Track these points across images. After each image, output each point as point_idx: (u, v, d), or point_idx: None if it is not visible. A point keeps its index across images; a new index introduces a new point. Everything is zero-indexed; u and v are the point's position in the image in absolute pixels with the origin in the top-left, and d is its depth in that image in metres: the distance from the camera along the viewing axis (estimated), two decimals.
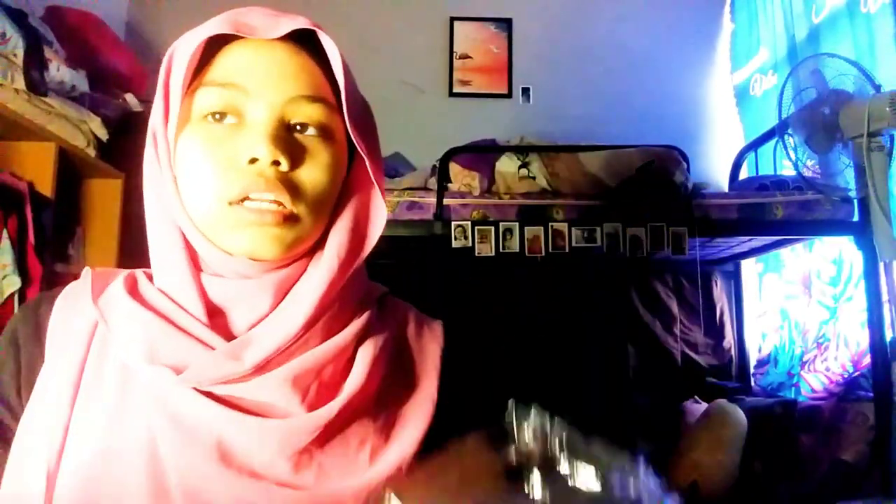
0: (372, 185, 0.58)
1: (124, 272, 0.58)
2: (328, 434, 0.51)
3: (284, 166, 0.51)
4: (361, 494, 0.50)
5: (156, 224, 0.54)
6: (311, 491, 0.50)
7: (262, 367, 0.50)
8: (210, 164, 0.51)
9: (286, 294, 0.54)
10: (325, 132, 0.54)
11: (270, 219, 0.51)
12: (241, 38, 0.53)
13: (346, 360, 0.55)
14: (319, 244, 0.56)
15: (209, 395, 0.50)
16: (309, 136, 0.53)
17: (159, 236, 0.54)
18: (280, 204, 0.51)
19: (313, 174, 0.53)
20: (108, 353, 0.53)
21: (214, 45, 0.53)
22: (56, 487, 0.49)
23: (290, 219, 0.52)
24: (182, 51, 0.53)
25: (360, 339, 0.56)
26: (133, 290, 0.55)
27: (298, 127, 0.53)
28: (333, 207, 0.56)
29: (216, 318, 0.52)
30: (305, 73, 0.53)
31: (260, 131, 0.50)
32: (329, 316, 0.54)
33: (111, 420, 0.51)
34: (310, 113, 0.53)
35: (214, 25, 0.51)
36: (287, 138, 0.52)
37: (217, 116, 0.52)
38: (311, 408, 0.51)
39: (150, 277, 0.57)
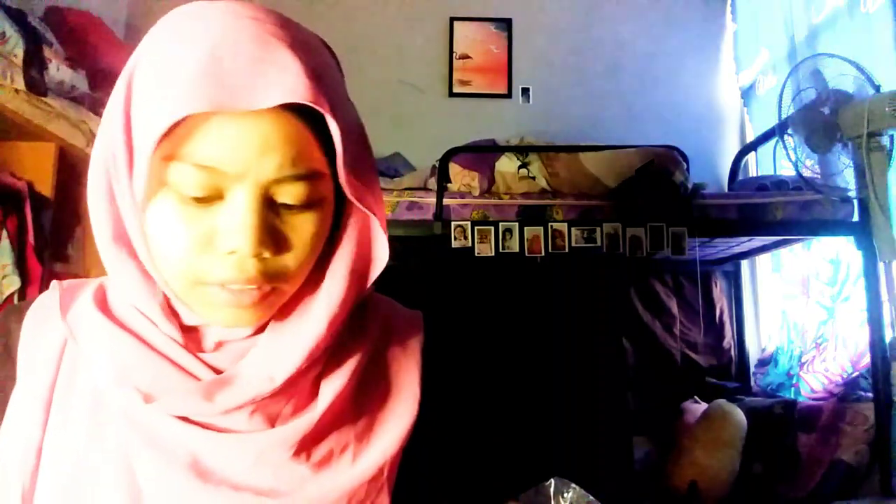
0: (372, 222, 0.53)
1: (93, 283, 0.55)
2: (306, 444, 0.50)
3: (267, 256, 0.46)
4: (344, 497, 0.50)
5: (111, 253, 0.49)
6: (292, 497, 0.49)
7: (231, 410, 0.48)
8: (185, 244, 0.45)
9: (264, 324, 0.51)
10: (313, 203, 0.48)
11: (248, 300, 0.47)
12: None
13: (317, 376, 0.52)
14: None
15: (182, 417, 0.48)
16: (295, 212, 0.47)
17: (115, 262, 0.49)
18: (261, 288, 0.47)
19: (298, 254, 0.48)
20: (79, 371, 0.51)
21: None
22: None
23: (269, 295, 0.48)
24: (147, 102, 0.45)
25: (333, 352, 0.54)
26: (103, 304, 0.52)
27: (283, 201, 0.47)
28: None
29: (189, 333, 0.50)
30: (293, 146, 0.45)
31: (242, 220, 0.44)
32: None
33: (85, 439, 0.49)
34: (297, 192, 0.46)
35: (189, 95, 0.42)
36: (271, 223, 0.46)
37: (196, 199, 0.45)
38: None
39: None
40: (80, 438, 0.49)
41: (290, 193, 0.46)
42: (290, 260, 0.48)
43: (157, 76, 0.45)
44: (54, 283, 0.56)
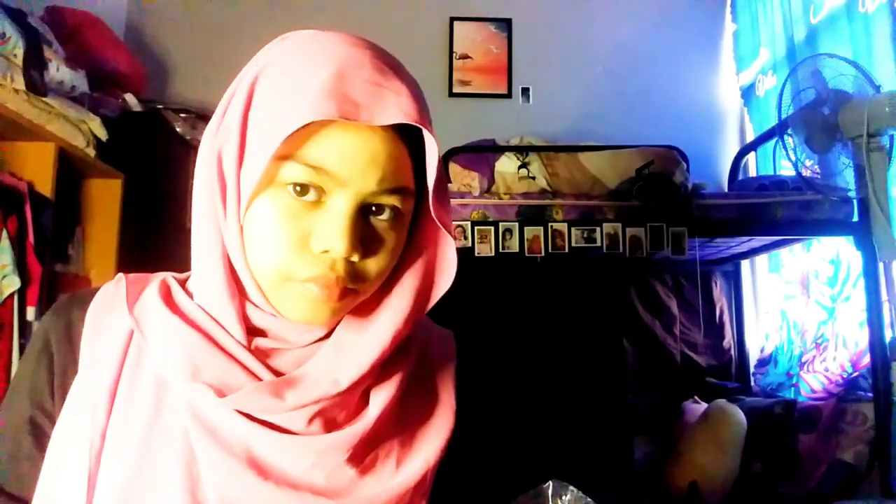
0: (446, 245, 0.57)
1: (156, 278, 0.58)
2: (358, 450, 0.52)
3: (356, 258, 0.50)
4: (391, 501, 0.53)
5: (205, 251, 0.53)
6: (346, 499, 0.51)
7: (298, 408, 0.51)
8: (282, 239, 0.49)
9: (330, 334, 0.55)
10: (398, 216, 0.53)
11: (328, 296, 0.50)
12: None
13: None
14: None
15: (245, 414, 0.51)
16: (382, 220, 0.52)
17: (207, 265, 0.53)
18: (345, 286, 0.51)
19: (381, 261, 0.52)
20: (143, 364, 0.54)
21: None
22: (96, 488, 0.50)
23: (349, 293, 0.51)
24: (273, 108, 0.49)
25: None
26: (168, 300, 0.55)
27: (374, 208, 0.51)
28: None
29: (255, 339, 0.53)
30: (394, 162, 0.50)
31: (339, 224, 0.49)
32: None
33: (147, 432, 0.51)
34: (389, 202, 0.51)
35: (317, 104, 0.46)
36: (362, 228, 0.51)
37: (299, 189, 0.49)
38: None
39: (181, 283, 0.57)
40: (143, 427, 0.51)
41: (381, 206, 0.51)
42: (372, 266, 0.52)
43: (284, 87, 0.49)
44: (120, 275, 0.58)
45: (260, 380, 0.51)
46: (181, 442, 0.51)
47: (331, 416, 0.53)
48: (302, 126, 0.47)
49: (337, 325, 0.55)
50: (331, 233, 0.49)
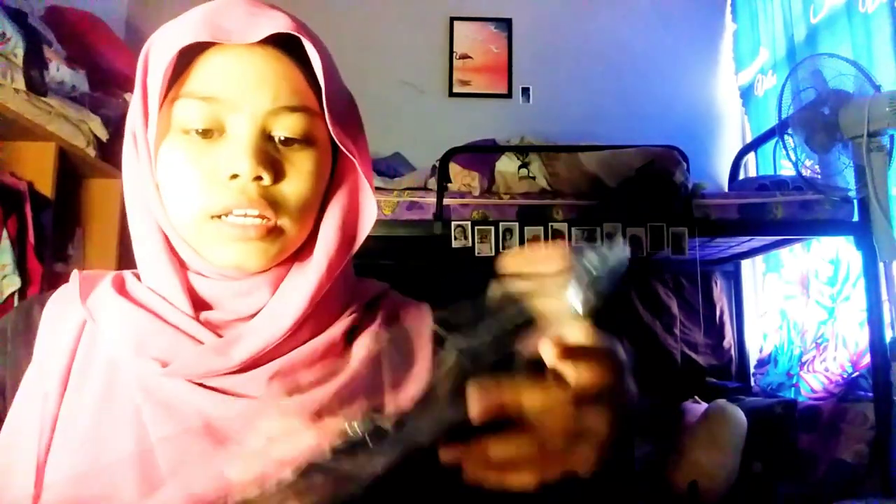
0: (359, 176, 0.58)
1: (112, 273, 0.59)
2: (326, 412, 0.51)
3: (267, 181, 0.51)
4: None
5: (138, 224, 0.55)
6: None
7: (249, 365, 0.51)
8: (192, 178, 0.51)
9: (273, 292, 0.54)
10: (307, 140, 0.53)
11: (254, 233, 0.51)
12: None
13: (337, 355, 0.55)
14: (306, 242, 0.57)
15: (199, 384, 0.51)
16: (290, 144, 0.53)
17: (142, 236, 0.54)
18: (264, 217, 0.51)
19: (296, 186, 0.52)
20: (95, 351, 0.54)
21: (192, 46, 0.51)
22: (45, 476, 0.50)
23: (273, 231, 0.52)
24: (158, 55, 0.52)
25: (353, 334, 0.57)
26: (121, 289, 0.56)
27: (281, 138, 0.52)
28: (320, 204, 0.57)
29: (203, 312, 0.53)
30: (286, 81, 0.52)
31: (241, 146, 0.50)
32: (316, 314, 0.54)
33: (97, 415, 0.51)
34: (291, 124, 0.52)
35: (191, 30, 0.49)
36: (269, 151, 0.51)
37: (200, 132, 0.51)
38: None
39: (138, 277, 0.58)
40: (93, 411, 0.51)
41: (284, 126, 0.52)
42: (288, 190, 0.52)
43: (164, 39, 0.52)
44: (74, 272, 0.60)
45: None
46: (133, 422, 0.50)
47: (293, 382, 0.52)
48: (187, 65, 0.50)
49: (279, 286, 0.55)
50: (234, 156, 0.50)
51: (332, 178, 0.57)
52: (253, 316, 0.54)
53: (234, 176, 0.50)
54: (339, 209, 0.57)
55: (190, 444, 0.49)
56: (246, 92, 0.50)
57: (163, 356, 0.50)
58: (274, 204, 0.51)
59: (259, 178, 0.50)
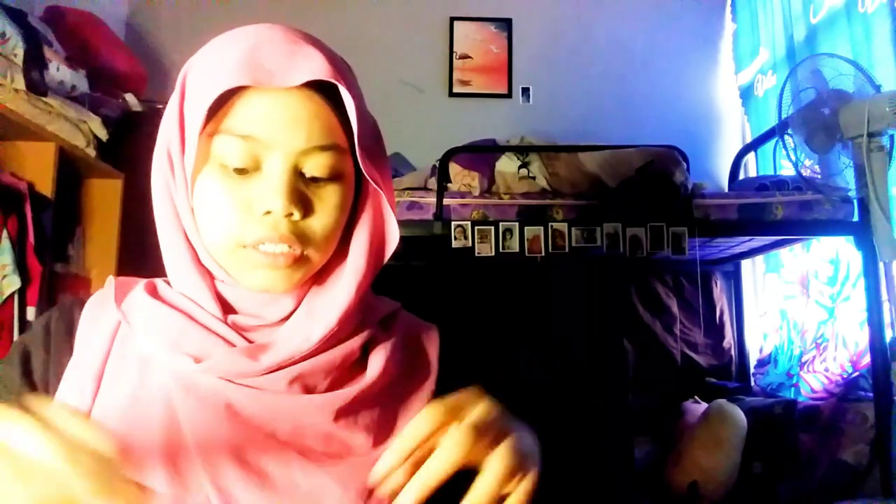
0: (383, 200, 0.61)
1: (144, 280, 0.63)
2: (340, 414, 0.55)
3: (297, 217, 0.54)
4: (363, 471, 0.54)
5: (168, 237, 0.58)
6: (326, 462, 0.54)
7: (273, 369, 0.54)
8: (228, 210, 0.54)
9: (296, 301, 0.58)
10: (336, 176, 0.56)
11: (283, 262, 0.54)
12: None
13: (352, 364, 0.59)
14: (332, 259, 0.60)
15: (226, 380, 0.54)
16: (320, 181, 0.56)
17: (172, 248, 0.58)
18: (292, 246, 0.55)
19: (324, 220, 0.56)
20: (129, 349, 0.57)
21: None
22: None
23: (300, 259, 0.55)
24: (199, 90, 0.54)
25: (370, 345, 0.61)
26: (154, 293, 0.60)
27: (312, 174, 0.55)
28: (347, 224, 0.60)
29: (230, 315, 0.57)
30: (318, 121, 0.54)
31: (276, 184, 0.53)
32: (338, 328, 0.58)
33: (130, 404, 0.54)
34: (322, 163, 0.55)
35: (234, 72, 0.52)
36: (300, 188, 0.55)
37: (237, 170, 0.54)
38: None
39: (168, 284, 0.61)
40: (126, 401, 0.55)
41: (316, 164, 0.55)
42: (316, 224, 0.56)
43: (205, 70, 0.55)
44: (110, 278, 0.64)
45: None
46: (163, 404, 0.53)
47: (311, 384, 0.56)
48: (226, 101, 0.53)
49: (305, 297, 0.59)
50: (269, 193, 0.53)
51: (356, 201, 0.61)
52: (279, 322, 0.58)
53: (268, 212, 0.53)
54: (366, 234, 0.60)
55: (221, 433, 0.52)
56: (281, 132, 0.53)
57: (195, 353, 0.54)
58: (302, 237, 0.55)
59: (290, 214, 0.53)
